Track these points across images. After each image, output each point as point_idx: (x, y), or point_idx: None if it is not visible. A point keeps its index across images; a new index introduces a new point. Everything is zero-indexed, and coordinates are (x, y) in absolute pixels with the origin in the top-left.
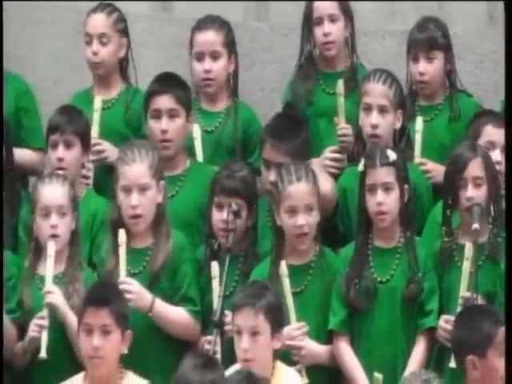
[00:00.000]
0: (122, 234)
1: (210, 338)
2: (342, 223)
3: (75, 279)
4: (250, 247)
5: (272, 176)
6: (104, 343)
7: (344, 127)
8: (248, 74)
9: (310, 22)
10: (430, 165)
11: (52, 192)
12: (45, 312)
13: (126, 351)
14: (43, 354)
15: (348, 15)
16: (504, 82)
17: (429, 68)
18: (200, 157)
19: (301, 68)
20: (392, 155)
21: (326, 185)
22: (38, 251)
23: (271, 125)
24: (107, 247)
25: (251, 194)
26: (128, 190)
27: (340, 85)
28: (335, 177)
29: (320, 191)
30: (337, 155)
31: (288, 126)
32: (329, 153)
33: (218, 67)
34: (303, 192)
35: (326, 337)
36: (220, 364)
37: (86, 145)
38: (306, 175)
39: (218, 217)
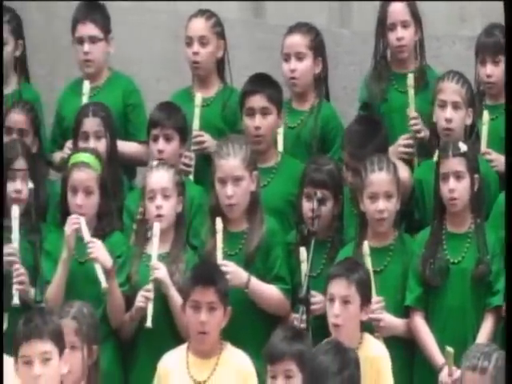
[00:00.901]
0: (219, 223)
1: (297, 316)
2: (417, 210)
3: (178, 259)
4: (336, 234)
5: (350, 178)
6: (210, 319)
7: (415, 115)
8: (332, 74)
9: (383, 27)
10: (494, 155)
11: (157, 177)
12: (150, 285)
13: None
14: (149, 323)
15: (418, 21)
16: (504, 83)
17: (495, 71)
18: (281, 149)
19: (375, 69)
20: (463, 147)
21: (404, 173)
22: (145, 232)
23: (350, 131)
24: (206, 231)
25: (337, 186)
26: (223, 182)
27: (410, 78)
28: (408, 162)
29: (400, 180)
30: (409, 141)
31: (366, 132)
32: (402, 140)
33: (303, 67)
34: (383, 180)
35: (403, 312)
36: (308, 336)
37: (184, 138)
38: (387, 166)
39: (307, 206)
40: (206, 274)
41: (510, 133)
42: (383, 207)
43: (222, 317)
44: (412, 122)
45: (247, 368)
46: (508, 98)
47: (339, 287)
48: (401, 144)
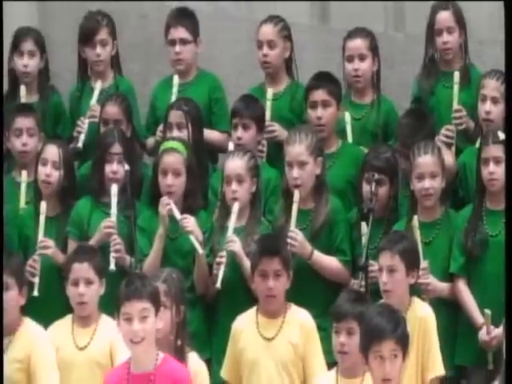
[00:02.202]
0: (296, 195)
1: (357, 281)
2: (461, 190)
3: (253, 232)
4: (392, 212)
5: (402, 164)
6: (276, 284)
7: (458, 108)
8: (388, 72)
9: (432, 31)
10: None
11: (232, 164)
12: (224, 253)
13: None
14: (218, 284)
15: (462, 26)
16: (504, 82)
17: None
18: (350, 138)
19: (425, 67)
20: (501, 135)
21: (449, 159)
22: (226, 210)
23: (401, 123)
24: (279, 208)
25: (393, 171)
26: (290, 165)
27: (456, 76)
28: (449, 146)
29: (444, 163)
30: (449, 132)
31: (415, 123)
32: (444, 130)
33: (365, 66)
34: (428, 162)
35: (448, 278)
36: (368, 299)
37: (261, 127)
38: (431, 150)
39: (367, 188)
40: (272, 244)
41: (510, 132)
42: (428, 185)
43: (286, 281)
44: (455, 114)
45: (309, 323)
46: (508, 98)
47: (385, 258)
48: (443, 133)
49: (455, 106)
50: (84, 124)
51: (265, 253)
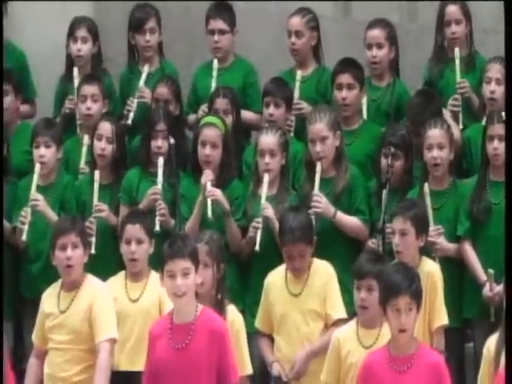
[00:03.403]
0: (318, 166)
1: (374, 240)
2: (465, 162)
3: (283, 200)
4: (406, 183)
5: (413, 139)
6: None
7: (461, 80)
8: (403, 59)
9: (441, 22)
10: None
11: (266, 139)
12: (260, 219)
13: None
14: (257, 247)
15: (468, 18)
16: (505, 82)
17: None
18: (365, 117)
19: (435, 54)
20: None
21: (456, 132)
22: (259, 180)
23: (411, 103)
24: (304, 178)
25: (407, 147)
26: (313, 142)
27: (457, 51)
28: (456, 115)
29: (453, 137)
30: (455, 102)
31: (423, 102)
32: (451, 100)
33: (382, 54)
34: (437, 134)
35: (454, 241)
36: (386, 259)
37: (289, 105)
38: (440, 124)
39: (384, 162)
40: (296, 209)
41: (510, 132)
42: (436, 155)
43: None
44: (459, 85)
45: (329, 271)
46: (508, 98)
47: (397, 223)
48: (450, 103)
49: (458, 78)
50: (133, 103)
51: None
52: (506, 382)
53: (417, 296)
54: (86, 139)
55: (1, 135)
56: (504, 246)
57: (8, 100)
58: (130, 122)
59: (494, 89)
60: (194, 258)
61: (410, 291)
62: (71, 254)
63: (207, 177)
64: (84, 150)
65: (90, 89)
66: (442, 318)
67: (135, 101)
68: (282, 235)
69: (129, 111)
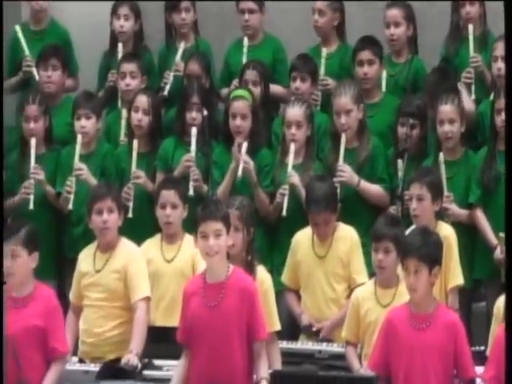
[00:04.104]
0: (343, 138)
1: (394, 207)
2: (479, 135)
3: (308, 168)
4: (422, 151)
5: (430, 113)
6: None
7: (474, 55)
8: (422, 37)
9: (457, 4)
10: None
11: (292, 112)
12: (286, 186)
13: None
14: (284, 212)
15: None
16: (505, 81)
17: None
18: (384, 90)
19: (451, 33)
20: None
21: (470, 106)
22: (286, 149)
23: (428, 78)
24: (328, 149)
25: (423, 117)
26: (338, 114)
27: (470, 28)
28: (469, 87)
29: (463, 112)
30: (469, 74)
31: (439, 78)
32: (465, 73)
33: (399, 32)
34: (448, 110)
35: (465, 208)
36: (401, 223)
37: (314, 80)
38: (451, 100)
39: (402, 130)
40: (321, 178)
41: (510, 132)
42: (448, 129)
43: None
44: (472, 59)
45: (354, 237)
46: (508, 97)
47: (414, 188)
48: (463, 76)
49: (472, 53)
50: (169, 76)
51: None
52: (506, 381)
53: (427, 259)
54: (124, 113)
55: (0, 132)
56: (504, 247)
57: (56, 74)
58: (166, 93)
59: (501, 66)
60: (226, 221)
61: (418, 254)
62: (107, 217)
63: (242, 147)
64: (123, 122)
65: (129, 66)
66: (457, 279)
67: (171, 74)
68: (308, 204)
69: (165, 84)
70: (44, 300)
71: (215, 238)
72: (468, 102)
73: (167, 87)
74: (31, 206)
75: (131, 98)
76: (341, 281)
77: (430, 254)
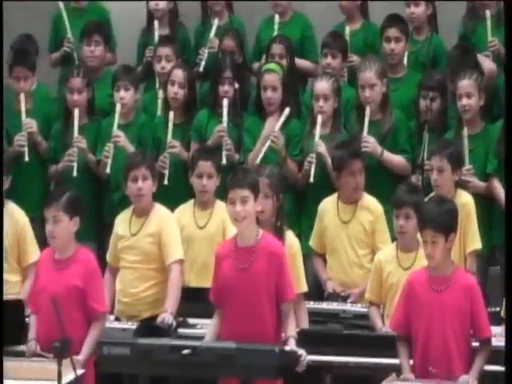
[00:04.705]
0: (367, 110)
1: (415, 176)
2: (496, 108)
3: (335, 138)
4: (443, 123)
5: (451, 87)
6: (360, 179)
7: (492, 39)
8: (441, 15)
9: None
10: None
11: (320, 85)
12: (313, 155)
13: None
14: (311, 179)
15: None
16: (505, 81)
17: None
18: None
19: (468, 12)
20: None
21: (491, 66)
22: (314, 121)
23: (449, 54)
24: (354, 121)
25: (443, 90)
26: (363, 87)
27: (487, 13)
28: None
29: (481, 85)
30: (488, 54)
31: (460, 54)
32: (483, 55)
33: (419, 10)
34: (465, 85)
35: (484, 180)
36: (421, 190)
37: (345, 56)
38: (469, 76)
39: (423, 103)
40: (351, 147)
41: (510, 132)
42: (465, 103)
43: (363, 176)
44: (490, 43)
45: (378, 208)
46: (508, 97)
47: (435, 160)
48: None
49: (490, 37)
50: (204, 53)
51: (351, 156)
52: (505, 380)
53: (443, 229)
54: (160, 93)
55: (0, 133)
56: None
57: (99, 49)
58: (201, 69)
59: None
60: (253, 188)
61: (434, 225)
62: (141, 185)
63: (272, 124)
64: (159, 102)
65: (165, 50)
66: (476, 244)
67: (206, 51)
68: (344, 153)
69: (200, 60)
70: (84, 262)
71: (242, 204)
72: (488, 65)
73: (202, 63)
74: (74, 173)
75: (166, 79)
76: (364, 246)
77: (445, 223)
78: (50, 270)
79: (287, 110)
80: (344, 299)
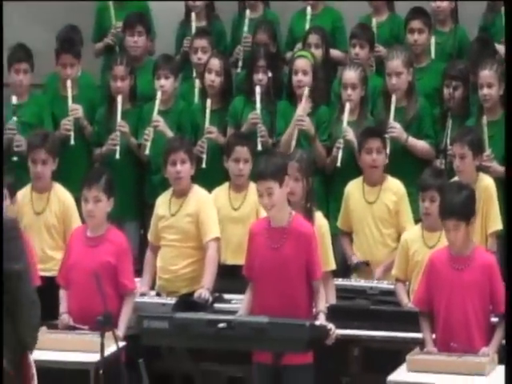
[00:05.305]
0: (394, 98)
1: (438, 160)
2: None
3: (362, 125)
4: (465, 110)
5: (473, 78)
6: (378, 158)
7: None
8: (462, 8)
9: None
10: None
11: (348, 75)
12: (341, 140)
13: None
14: (338, 163)
15: None
16: (504, 81)
17: None
18: (433, 56)
19: (489, 5)
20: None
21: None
22: (342, 107)
23: (472, 47)
24: (380, 108)
25: (465, 79)
26: (390, 75)
27: (503, 9)
28: None
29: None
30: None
31: (481, 46)
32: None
33: (444, 4)
34: (487, 75)
35: (505, 163)
36: (445, 174)
37: (372, 46)
38: (490, 66)
39: (446, 92)
40: (374, 129)
41: (510, 132)
42: (486, 92)
43: (385, 157)
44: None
45: (401, 190)
46: (508, 97)
47: (457, 148)
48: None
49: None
50: (240, 51)
51: (369, 134)
52: (505, 380)
53: (463, 216)
54: (197, 83)
55: (0, 131)
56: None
57: (141, 39)
58: (239, 70)
59: None
60: (277, 176)
61: (455, 214)
62: (180, 168)
63: (303, 108)
64: (196, 91)
65: (201, 42)
66: (497, 224)
67: (242, 49)
68: (364, 133)
69: (237, 59)
70: (116, 241)
71: (268, 196)
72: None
73: (239, 64)
74: (117, 156)
75: (203, 69)
76: (388, 226)
77: (466, 211)
78: (82, 247)
79: (307, 90)
80: (367, 265)
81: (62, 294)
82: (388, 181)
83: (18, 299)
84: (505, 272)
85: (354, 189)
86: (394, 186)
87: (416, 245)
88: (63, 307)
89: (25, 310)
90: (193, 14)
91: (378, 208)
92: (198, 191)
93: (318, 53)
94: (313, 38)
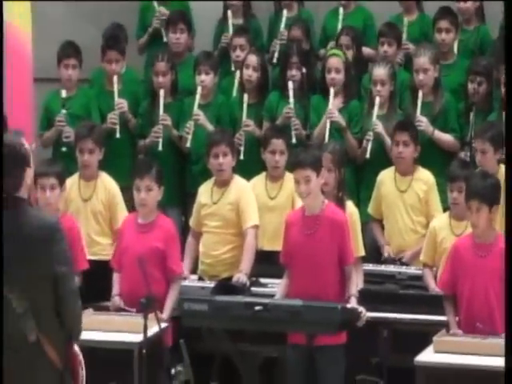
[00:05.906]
0: (420, 94)
1: (463, 153)
2: None
3: (391, 118)
4: (489, 105)
5: (496, 74)
6: (404, 150)
7: None
8: (487, 7)
9: None
10: None
11: (378, 71)
12: (371, 133)
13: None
14: (367, 155)
15: None
16: (505, 81)
17: None
18: (455, 53)
19: (506, 5)
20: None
21: None
22: (372, 102)
23: (495, 45)
24: (408, 103)
25: (489, 75)
26: (417, 72)
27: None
28: None
29: None
30: None
31: (502, 43)
32: None
33: (469, 5)
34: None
35: None
36: (471, 166)
37: (400, 44)
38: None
39: (471, 87)
40: (403, 123)
41: (510, 132)
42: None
43: (414, 150)
44: None
45: (430, 179)
46: (508, 98)
47: (478, 143)
48: None
49: None
50: (276, 45)
51: (398, 128)
52: (505, 379)
53: (487, 200)
54: (237, 76)
55: (0, 132)
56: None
57: (183, 36)
58: (275, 60)
59: None
60: (315, 166)
61: (479, 196)
62: (222, 160)
63: (335, 103)
64: (235, 83)
65: (239, 40)
66: None
67: (278, 43)
68: (395, 127)
69: (273, 51)
70: (165, 227)
71: (305, 183)
72: None
73: (275, 55)
74: (160, 148)
75: (241, 65)
76: (418, 214)
77: (489, 195)
78: (134, 233)
79: (332, 90)
80: (398, 262)
81: (115, 277)
82: (419, 171)
83: (64, 297)
84: (505, 272)
85: (386, 177)
86: (425, 176)
87: (444, 232)
88: (115, 290)
89: (70, 304)
90: (229, 12)
91: (409, 196)
92: (238, 181)
93: (350, 53)
94: (344, 40)
